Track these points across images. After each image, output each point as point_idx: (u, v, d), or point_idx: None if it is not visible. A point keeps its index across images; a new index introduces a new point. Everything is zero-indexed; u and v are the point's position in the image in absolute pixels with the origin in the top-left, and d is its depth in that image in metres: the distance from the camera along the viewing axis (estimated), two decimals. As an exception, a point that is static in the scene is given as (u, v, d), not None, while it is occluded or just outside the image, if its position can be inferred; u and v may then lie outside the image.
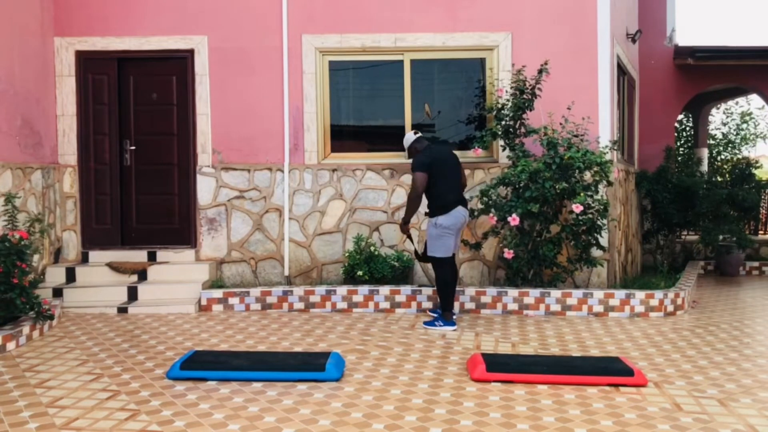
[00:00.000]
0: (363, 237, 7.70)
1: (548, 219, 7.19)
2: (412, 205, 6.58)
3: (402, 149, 7.95)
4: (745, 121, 14.70)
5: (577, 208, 6.83)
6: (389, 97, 8.04)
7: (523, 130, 7.46)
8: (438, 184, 6.48)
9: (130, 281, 7.46)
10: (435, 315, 6.72)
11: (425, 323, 6.50)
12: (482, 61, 7.92)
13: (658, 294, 7.02)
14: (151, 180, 8.02)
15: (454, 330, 6.33)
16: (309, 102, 7.88)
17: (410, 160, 7.82)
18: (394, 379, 4.77)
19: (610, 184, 7.31)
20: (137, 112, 8.04)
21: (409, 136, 6.88)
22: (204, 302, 7.19)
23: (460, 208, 6.52)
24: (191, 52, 7.92)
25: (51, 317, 6.25)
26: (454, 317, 6.59)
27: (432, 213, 6.52)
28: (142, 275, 7.55)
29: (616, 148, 7.91)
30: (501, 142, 7.67)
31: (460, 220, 6.53)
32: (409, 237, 6.94)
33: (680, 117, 13.78)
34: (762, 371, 5.03)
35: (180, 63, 7.96)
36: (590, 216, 7.10)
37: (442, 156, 6.61)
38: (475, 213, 7.66)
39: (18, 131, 7.11)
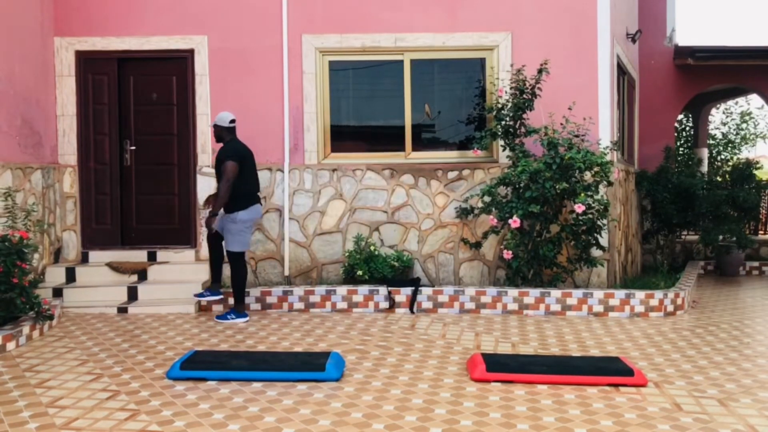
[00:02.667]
0: (363, 237, 7.71)
1: (548, 219, 7.19)
2: (225, 196, 6.48)
3: (401, 149, 7.98)
4: (745, 121, 14.70)
5: (579, 207, 6.83)
6: (389, 97, 8.04)
7: (523, 130, 7.46)
8: (244, 178, 6.62)
9: (130, 281, 7.46)
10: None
11: (217, 317, 6.73)
12: (482, 61, 7.93)
13: (658, 294, 7.02)
14: (151, 180, 8.02)
15: (247, 321, 6.63)
16: (309, 102, 7.88)
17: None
18: (394, 379, 4.77)
19: (610, 184, 7.31)
20: (137, 112, 8.04)
21: (227, 116, 6.74)
22: (204, 302, 7.19)
23: (257, 205, 6.78)
24: (191, 52, 7.92)
25: (51, 317, 6.25)
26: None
27: (232, 208, 6.59)
28: (142, 275, 7.55)
29: (616, 148, 7.92)
30: (501, 142, 7.67)
31: (255, 217, 6.78)
32: (212, 231, 6.71)
33: (680, 117, 13.78)
34: (762, 371, 5.03)
35: (180, 63, 7.96)
36: (590, 216, 7.11)
37: (247, 150, 6.79)
38: (475, 212, 7.67)
39: (18, 131, 7.10)
